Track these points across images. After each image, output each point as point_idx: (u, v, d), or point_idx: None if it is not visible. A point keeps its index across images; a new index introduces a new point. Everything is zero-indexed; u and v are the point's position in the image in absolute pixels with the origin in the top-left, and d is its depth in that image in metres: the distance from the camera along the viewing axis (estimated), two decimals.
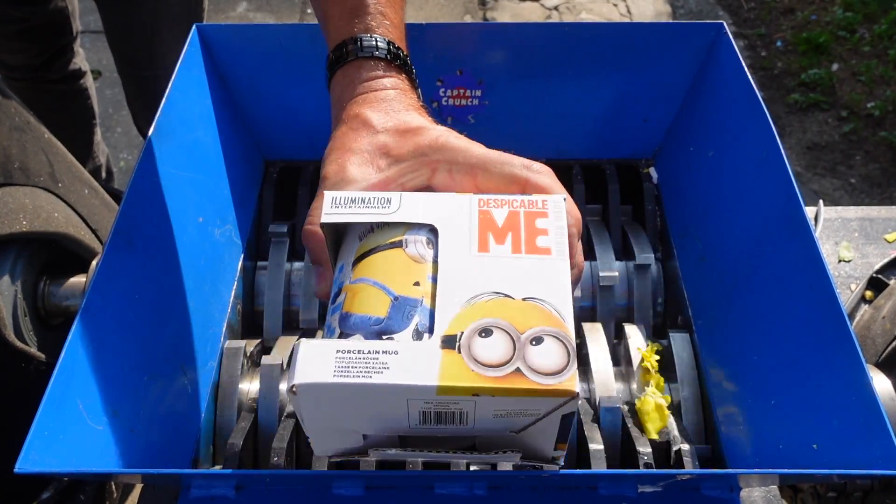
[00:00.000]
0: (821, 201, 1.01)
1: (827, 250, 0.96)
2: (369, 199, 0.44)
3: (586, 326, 0.72)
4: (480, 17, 2.62)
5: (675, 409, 0.68)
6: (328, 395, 0.39)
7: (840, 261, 0.96)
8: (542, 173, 0.48)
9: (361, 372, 0.38)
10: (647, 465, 0.61)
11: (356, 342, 0.39)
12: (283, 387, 0.68)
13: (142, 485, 0.66)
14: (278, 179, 0.86)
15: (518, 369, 0.38)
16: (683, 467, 0.61)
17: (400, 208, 0.44)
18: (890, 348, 0.73)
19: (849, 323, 0.52)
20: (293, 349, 0.41)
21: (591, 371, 0.68)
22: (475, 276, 0.41)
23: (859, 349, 0.51)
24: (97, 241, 0.85)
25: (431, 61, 0.79)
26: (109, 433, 0.53)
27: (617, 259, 0.80)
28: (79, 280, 0.78)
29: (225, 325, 0.72)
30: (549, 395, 0.38)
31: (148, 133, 0.64)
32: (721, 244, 0.71)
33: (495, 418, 0.40)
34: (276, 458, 0.61)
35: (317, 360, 0.38)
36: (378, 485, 0.56)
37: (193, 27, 0.75)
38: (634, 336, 0.72)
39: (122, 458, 0.53)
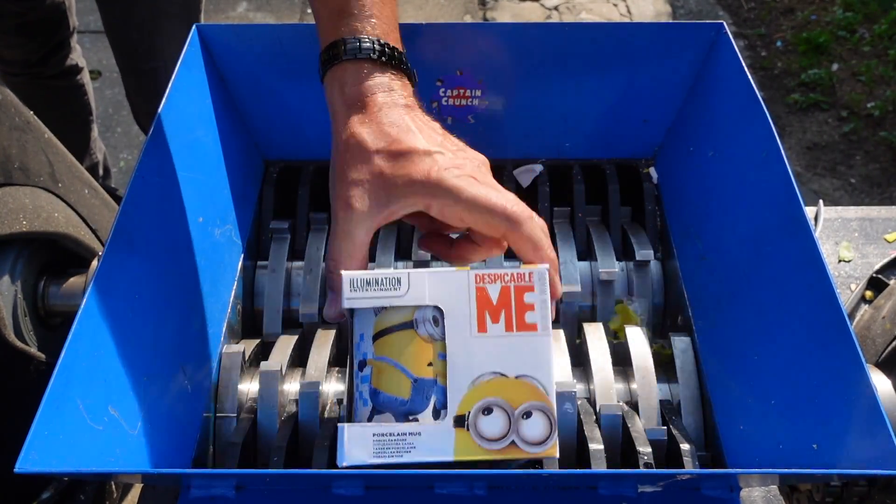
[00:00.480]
0: (821, 201, 1.01)
1: (827, 250, 0.96)
2: (382, 279, 0.52)
3: (587, 327, 0.72)
4: (480, 17, 2.62)
5: (675, 409, 0.68)
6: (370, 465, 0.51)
7: (840, 261, 0.96)
8: (521, 224, 0.52)
9: (394, 452, 0.50)
10: (647, 465, 0.60)
11: (388, 426, 0.51)
12: (284, 388, 0.68)
13: (142, 485, 0.66)
14: (278, 179, 0.86)
15: (513, 442, 0.51)
16: (683, 467, 0.61)
17: (409, 289, 0.52)
18: (890, 348, 0.73)
19: (849, 323, 0.52)
20: (337, 431, 0.51)
21: (592, 371, 0.68)
22: (477, 358, 0.51)
23: (859, 349, 0.51)
24: (97, 241, 0.85)
25: (431, 61, 0.79)
26: (109, 433, 0.53)
27: (617, 259, 0.80)
28: (79, 280, 0.78)
29: (225, 325, 0.72)
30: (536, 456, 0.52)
31: (148, 130, 0.64)
32: (721, 244, 0.71)
33: None
34: (276, 458, 0.61)
35: (358, 443, 0.50)
36: (378, 485, 0.56)
37: (193, 27, 0.75)
38: (634, 335, 0.72)
39: (122, 458, 0.53)
